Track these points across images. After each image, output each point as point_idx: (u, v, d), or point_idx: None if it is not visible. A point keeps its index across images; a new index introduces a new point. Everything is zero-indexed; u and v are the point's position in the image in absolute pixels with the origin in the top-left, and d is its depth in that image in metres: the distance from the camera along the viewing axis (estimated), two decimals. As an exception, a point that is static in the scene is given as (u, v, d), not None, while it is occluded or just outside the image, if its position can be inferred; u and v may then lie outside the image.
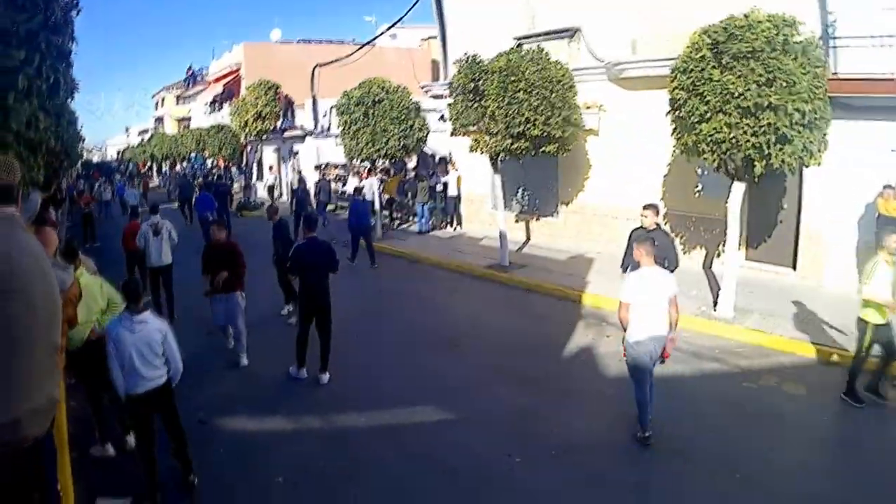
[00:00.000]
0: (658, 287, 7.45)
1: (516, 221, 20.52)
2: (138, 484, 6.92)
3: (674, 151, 13.50)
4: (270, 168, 39.73)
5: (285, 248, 11.86)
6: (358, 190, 19.93)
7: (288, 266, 10.50)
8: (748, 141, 10.32)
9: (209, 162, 47.47)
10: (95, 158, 76.42)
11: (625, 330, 7.68)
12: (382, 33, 29.71)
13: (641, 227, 10.25)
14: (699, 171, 15.08)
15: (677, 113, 11.47)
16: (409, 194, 25.26)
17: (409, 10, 25.53)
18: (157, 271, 13.60)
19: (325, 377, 10.01)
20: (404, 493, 6.98)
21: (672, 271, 8.70)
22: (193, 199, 26.95)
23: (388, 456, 7.76)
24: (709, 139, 10.77)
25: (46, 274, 3.56)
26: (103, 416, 8.07)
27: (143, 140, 75.75)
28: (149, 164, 67.08)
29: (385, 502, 6.85)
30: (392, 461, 7.65)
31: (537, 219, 20.33)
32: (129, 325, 6.64)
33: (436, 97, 23.11)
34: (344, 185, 31.16)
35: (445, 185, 23.52)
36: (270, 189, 35.72)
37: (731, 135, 10.43)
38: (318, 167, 32.68)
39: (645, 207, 10.22)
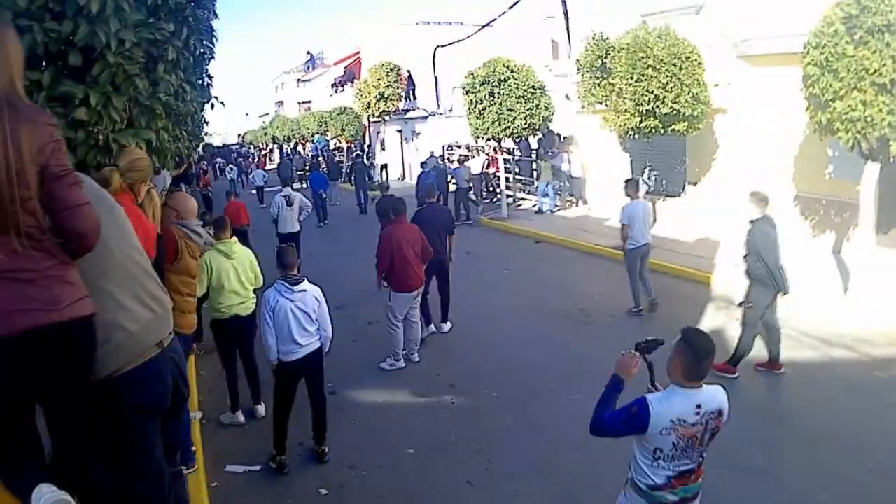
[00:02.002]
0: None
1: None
2: (264, 453, 7.36)
3: (804, 130, 13.24)
4: (382, 148, 40.82)
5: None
6: (423, 164, 20.50)
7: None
8: (884, 119, 9.94)
9: (332, 143, 48.49)
10: (216, 142, 78.44)
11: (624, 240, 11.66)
12: (504, 13, 29.71)
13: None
14: (831, 151, 14.58)
15: (810, 90, 11.12)
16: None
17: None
18: (287, 237, 15.26)
19: (447, 326, 11.34)
20: (539, 466, 7.11)
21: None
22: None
23: (520, 427, 7.94)
24: (843, 117, 10.41)
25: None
26: (236, 385, 8.56)
27: (263, 123, 77.81)
28: (269, 146, 68.81)
29: (514, 475, 6.96)
30: (524, 433, 7.83)
31: (664, 199, 20.08)
32: (289, 294, 6.90)
33: (559, 76, 23.18)
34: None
35: (570, 164, 23.47)
36: (383, 167, 37.03)
37: (866, 113, 10.06)
38: (445, 147, 33.17)
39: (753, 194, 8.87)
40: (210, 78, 6.80)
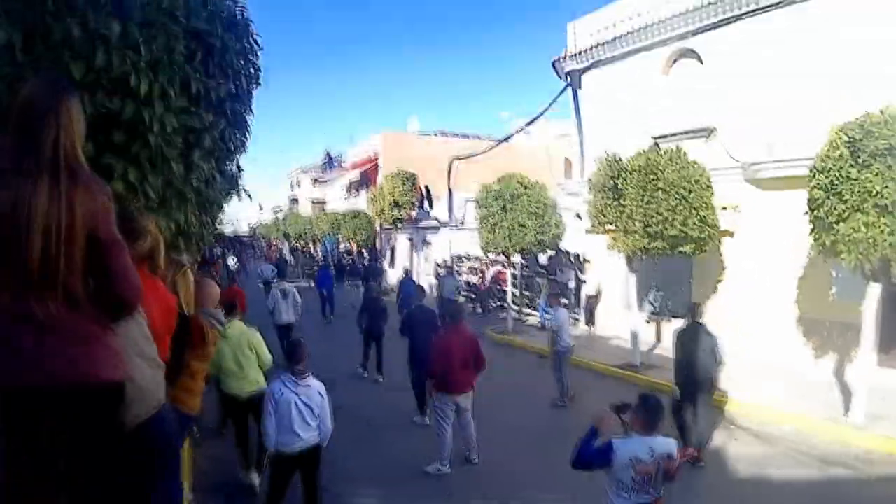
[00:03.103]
0: None
1: (647, 322, 20.32)
2: None
3: (809, 253, 13.48)
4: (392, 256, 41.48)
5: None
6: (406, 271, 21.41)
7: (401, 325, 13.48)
8: (885, 240, 10.22)
9: (342, 245, 48.94)
10: (227, 230, 78.86)
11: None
12: (521, 129, 30.53)
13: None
14: (834, 273, 14.89)
15: (815, 213, 11.41)
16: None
17: (546, 108, 26.51)
18: (284, 328, 16.74)
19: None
20: None
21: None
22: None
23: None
24: (846, 239, 10.68)
25: None
26: (248, 453, 8.84)
27: (276, 218, 78.63)
28: (281, 241, 69.39)
29: None
30: None
31: (669, 320, 20.07)
32: (294, 387, 7.03)
33: (571, 194, 23.59)
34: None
35: (578, 282, 23.84)
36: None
37: (869, 234, 10.33)
38: (455, 258, 33.56)
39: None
40: (240, 169, 7.00)
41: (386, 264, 41.45)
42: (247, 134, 6.50)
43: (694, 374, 10.10)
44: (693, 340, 10.30)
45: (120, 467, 3.37)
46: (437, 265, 33.27)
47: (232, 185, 7.06)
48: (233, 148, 6.29)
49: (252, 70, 6.18)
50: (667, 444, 5.60)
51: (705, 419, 10.16)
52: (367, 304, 16.69)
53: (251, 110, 6.41)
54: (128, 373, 3.17)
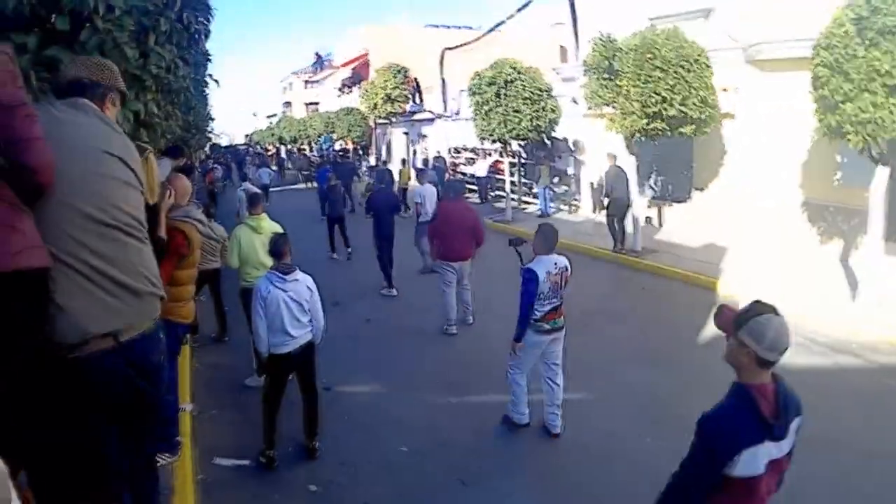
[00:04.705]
0: None
1: (648, 207, 20.13)
2: (254, 448, 7.12)
3: (813, 136, 13.08)
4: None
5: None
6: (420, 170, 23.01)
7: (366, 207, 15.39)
8: (894, 122, 9.84)
9: (338, 144, 48.49)
10: (223, 142, 78.33)
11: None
12: (512, 16, 29.67)
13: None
14: (840, 157, 14.55)
15: (820, 92, 10.99)
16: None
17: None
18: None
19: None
20: (534, 467, 7.00)
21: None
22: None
23: (517, 429, 7.74)
24: (853, 120, 10.28)
25: (102, 155, 3.21)
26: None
27: (271, 124, 77.98)
28: (276, 146, 68.96)
29: (514, 476, 6.82)
30: (521, 432, 7.68)
31: (670, 204, 20.03)
32: (281, 283, 6.67)
33: (566, 80, 23.07)
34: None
35: (577, 168, 23.72)
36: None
37: (877, 115, 9.93)
38: (451, 150, 33.20)
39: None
40: (207, 56, 6.62)
41: (373, 161, 41.11)
42: (209, 17, 6.07)
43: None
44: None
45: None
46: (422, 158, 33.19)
47: (198, 73, 6.64)
48: (194, 32, 5.82)
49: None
50: (563, 260, 7.36)
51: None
52: (325, 192, 19.58)
53: (210, -12, 6.02)
54: (47, 260, 2.80)
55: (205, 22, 5.98)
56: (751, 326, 3.19)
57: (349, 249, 18.20)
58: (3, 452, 2.28)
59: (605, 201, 17.00)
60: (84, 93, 3.30)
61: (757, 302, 3.30)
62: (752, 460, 3.14)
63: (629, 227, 17.15)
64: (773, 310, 3.24)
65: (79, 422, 3.16)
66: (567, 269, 7.33)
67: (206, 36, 6.23)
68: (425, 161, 29.88)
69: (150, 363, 3.48)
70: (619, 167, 16.67)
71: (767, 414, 3.16)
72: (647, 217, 19.48)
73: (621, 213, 16.95)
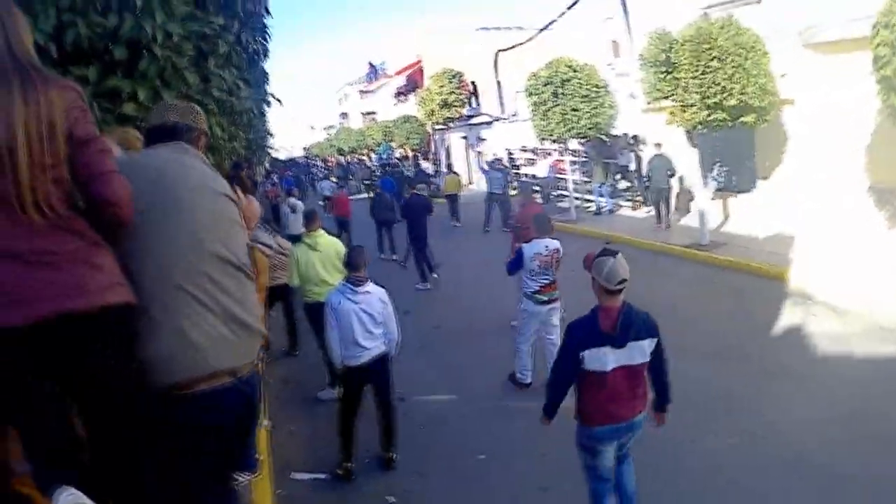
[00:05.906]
0: None
1: (712, 199, 19.45)
2: (331, 462, 7.14)
3: (876, 118, 12.73)
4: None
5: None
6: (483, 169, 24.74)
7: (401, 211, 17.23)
8: None
9: (397, 153, 48.69)
10: (282, 156, 79.19)
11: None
12: (563, 14, 29.48)
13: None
14: None
15: (882, 72, 10.55)
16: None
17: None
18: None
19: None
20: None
21: None
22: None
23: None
24: None
25: (217, 195, 3.23)
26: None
27: (329, 135, 78.65)
28: (336, 158, 69.44)
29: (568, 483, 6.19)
30: None
31: (735, 195, 19.55)
32: (353, 296, 6.70)
33: (620, 75, 22.84)
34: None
35: (639, 164, 23.29)
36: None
37: None
38: (508, 151, 33.07)
39: None
40: (266, 76, 6.70)
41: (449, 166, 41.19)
42: (266, 36, 6.15)
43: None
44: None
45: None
46: (485, 160, 33.07)
47: (259, 93, 6.71)
48: (253, 52, 5.89)
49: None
50: (555, 242, 8.65)
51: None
52: (373, 202, 20.47)
53: (267, 11, 6.07)
54: (129, 296, 2.74)
55: (262, 41, 6.06)
56: (595, 264, 4.67)
57: (395, 257, 18.77)
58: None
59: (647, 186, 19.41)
60: (182, 137, 3.33)
61: (604, 248, 4.81)
62: (597, 358, 4.62)
63: (694, 221, 16.95)
64: (613, 254, 4.67)
65: (188, 463, 3.10)
66: (558, 251, 8.68)
67: (265, 55, 6.32)
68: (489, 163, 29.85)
69: (255, 400, 3.48)
70: (659, 155, 18.72)
71: (606, 327, 4.61)
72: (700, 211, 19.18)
73: (661, 198, 19.08)
